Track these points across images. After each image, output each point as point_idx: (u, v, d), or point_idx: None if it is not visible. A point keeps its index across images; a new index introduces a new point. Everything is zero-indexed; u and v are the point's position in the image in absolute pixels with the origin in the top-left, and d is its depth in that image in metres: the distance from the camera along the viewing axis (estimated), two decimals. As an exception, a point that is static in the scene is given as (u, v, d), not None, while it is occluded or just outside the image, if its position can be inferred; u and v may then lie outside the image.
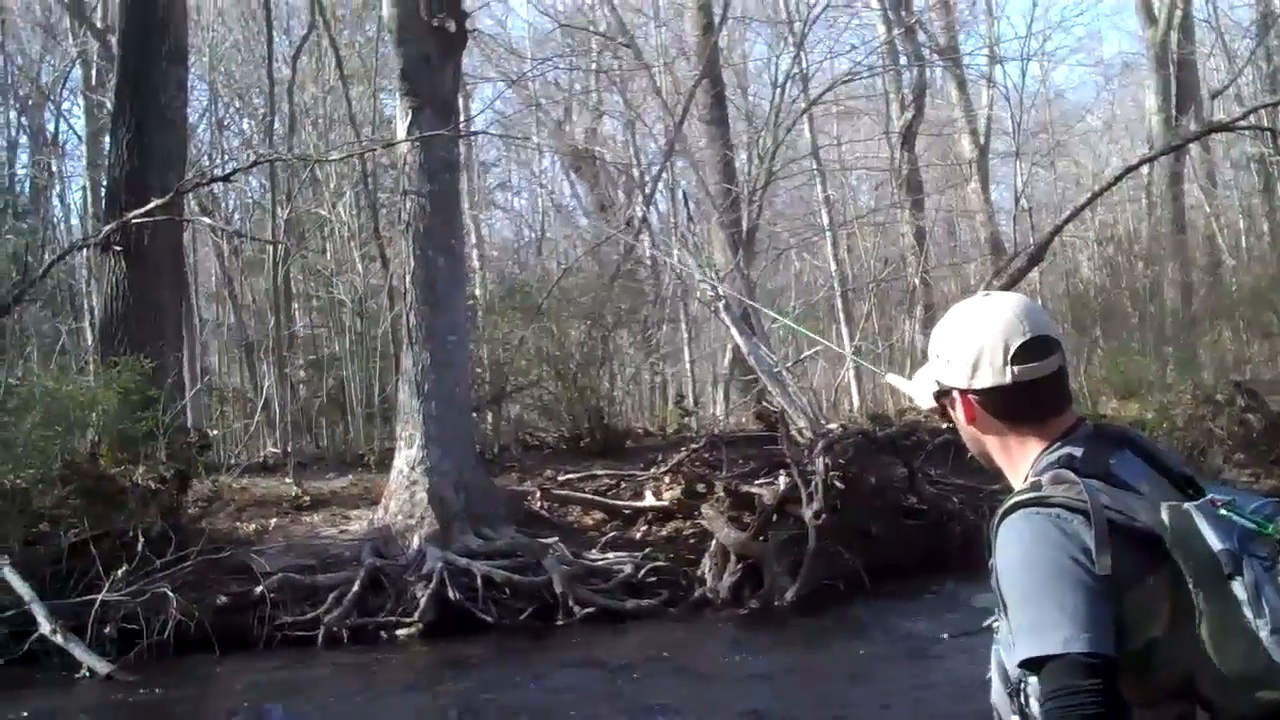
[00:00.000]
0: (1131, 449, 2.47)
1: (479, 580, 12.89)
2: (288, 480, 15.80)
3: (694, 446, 15.89)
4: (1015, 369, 2.48)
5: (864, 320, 24.66)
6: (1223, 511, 2.27)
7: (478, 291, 22.29)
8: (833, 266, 25.53)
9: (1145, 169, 23.53)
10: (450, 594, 12.71)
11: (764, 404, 16.87)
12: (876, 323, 25.22)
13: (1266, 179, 26.72)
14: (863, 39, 27.87)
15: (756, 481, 14.39)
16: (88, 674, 11.17)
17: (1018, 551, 2.33)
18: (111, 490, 13.15)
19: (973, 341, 2.53)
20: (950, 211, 31.52)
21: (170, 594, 11.99)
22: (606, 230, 23.81)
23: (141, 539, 12.52)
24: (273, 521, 14.63)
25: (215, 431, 17.12)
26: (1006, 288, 19.38)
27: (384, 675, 11.41)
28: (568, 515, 14.99)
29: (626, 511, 14.90)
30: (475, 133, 23.78)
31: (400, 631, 12.57)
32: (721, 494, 14.10)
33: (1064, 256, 25.19)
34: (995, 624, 2.43)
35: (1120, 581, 2.24)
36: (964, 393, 2.57)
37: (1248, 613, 2.17)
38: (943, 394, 2.62)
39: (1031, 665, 2.24)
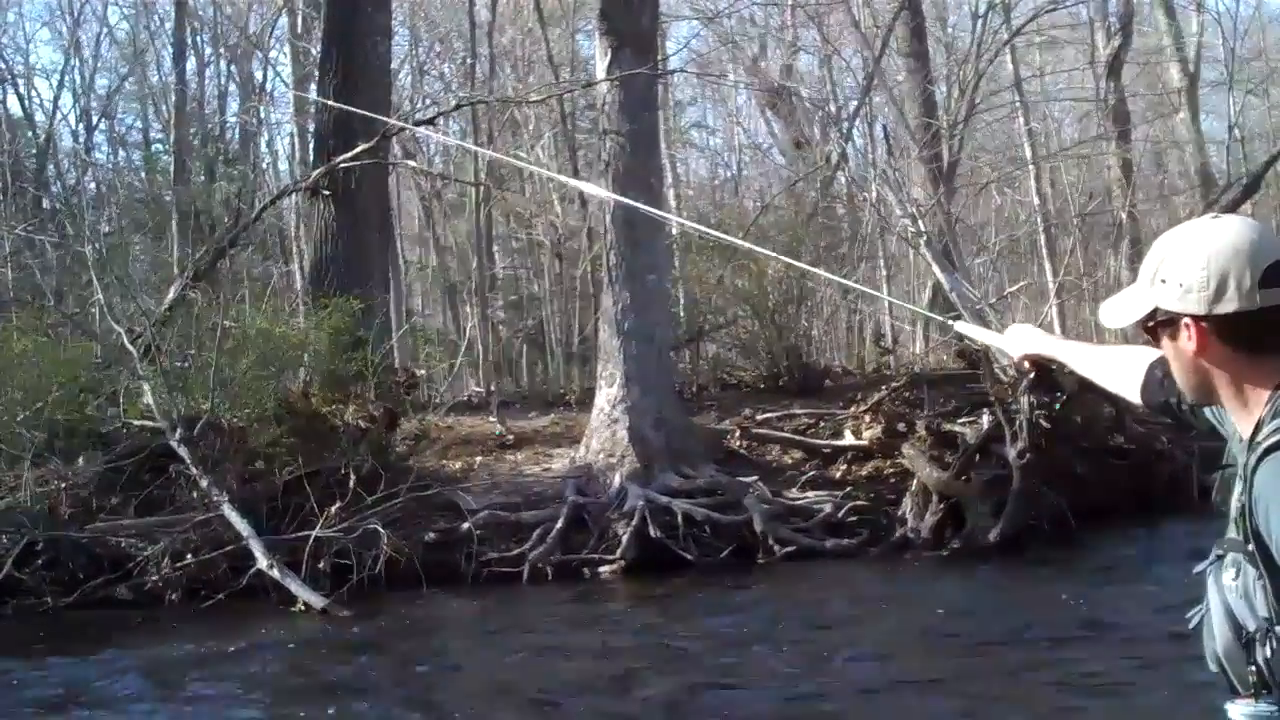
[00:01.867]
0: None
1: (679, 518, 12.97)
2: (491, 419, 16.07)
3: (894, 385, 15.73)
4: (1263, 293, 2.29)
5: (1068, 255, 24.07)
6: None
7: (674, 231, 22.33)
8: (1035, 201, 24.93)
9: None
10: (651, 532, 12.81)
11: (965, 341, 16.60)
12: (1081, 258, 24.62)
13: None
14: (1067, -35, 27.03)
15: (958, 420, 14.21)
16: (303, 607, 11.54)
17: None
18: (323, 429, 13.52)
19: (1214, 264, 2.32)
20: (1158, 143, 30.50)
21: (381, 530, 12.30)
22: (803, 168, 23.60)
23: (353, 477, 12.87)
24: (477, 459, 14.91)
25: (421, 371, 17.44)
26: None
27: (588, 611, 11.57)
28: (766, 454, 14.98)
29: (826, 450, 14.82)
30: (673, 71, 23.73)
31: (603, 569, 12.73)
32: (923, 433, 13.93)
33: (1279, 188, 24.25)
34: (1214, 568, 2.35)
35: None
36: (1197, 319, 2.35)
37: None
38: (1164, 323, 2.45)
39: None
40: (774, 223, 20.90)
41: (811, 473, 14.37)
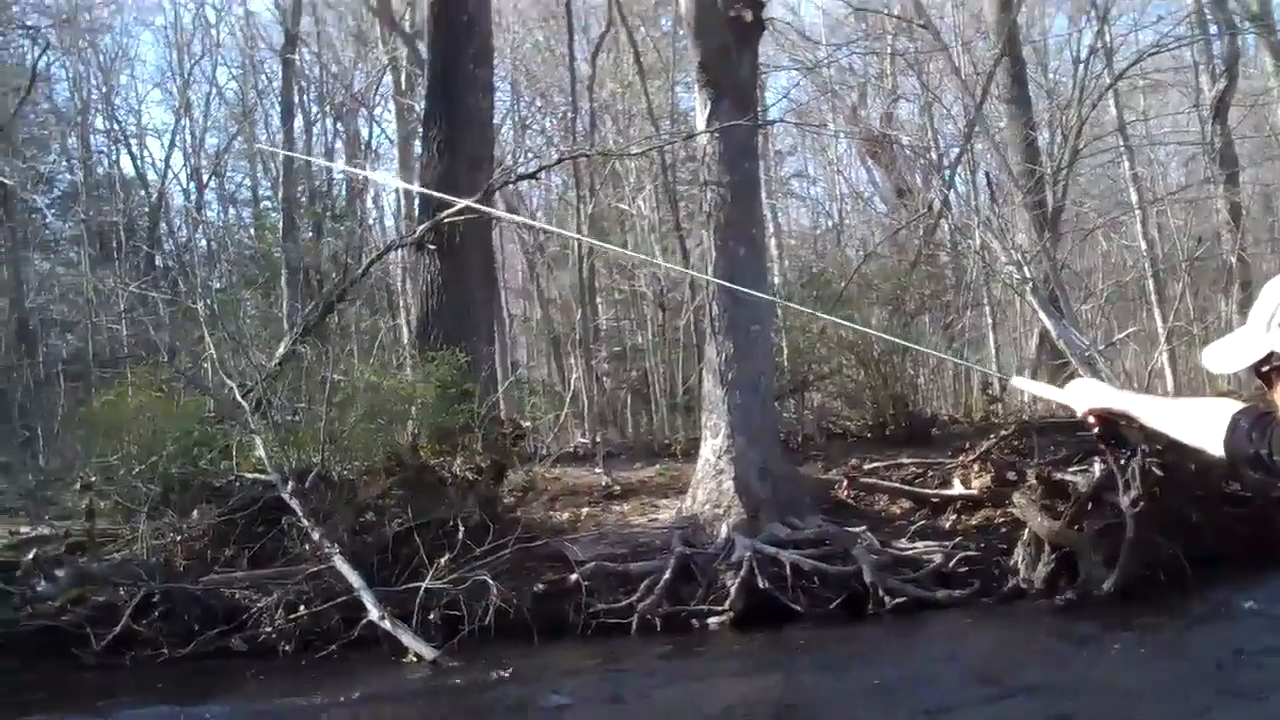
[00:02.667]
0: None
1: (788, 569, 12.88)
2: (597, 470, 16.12)
3: (1003, 433, 15.55)
4: None
5: (1178, 301, 23.75)
6: None
7: (777, 280, 22.33)
8: (1143, 246, 24.69)
9: None
10: (759, 582, 12.73)
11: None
12: (1191, 303, 24.28)
13: None
14: (1169, 9, 26.87)
15: (1069, 469, 14.01)
16: (414, 659, 11.58)
17: None
18: (432, 481, 13.62)
19: None
20: (1268, 186, 30.07)
21: (490, 581, 12.32)
22: (906, 215, 23.52)
23: (461, 528, 12.94)
24: (584, 510, 14.95)
25: (527, 423, 17.56)
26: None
27: (698, 664, 11.51)
28: (874, 504, 14.87)
29: (934, 500, 14.69)
30: (773, 121, 23.83)
31: (711, 620, 12.65)
32: (1033, 481, 13.75)
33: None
34: None
35: None
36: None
37: None
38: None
39: None
40: (877, 270, 20.83)
41: (920, 522, 14.24)
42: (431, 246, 16.53)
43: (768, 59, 25.74)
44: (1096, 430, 2.61)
